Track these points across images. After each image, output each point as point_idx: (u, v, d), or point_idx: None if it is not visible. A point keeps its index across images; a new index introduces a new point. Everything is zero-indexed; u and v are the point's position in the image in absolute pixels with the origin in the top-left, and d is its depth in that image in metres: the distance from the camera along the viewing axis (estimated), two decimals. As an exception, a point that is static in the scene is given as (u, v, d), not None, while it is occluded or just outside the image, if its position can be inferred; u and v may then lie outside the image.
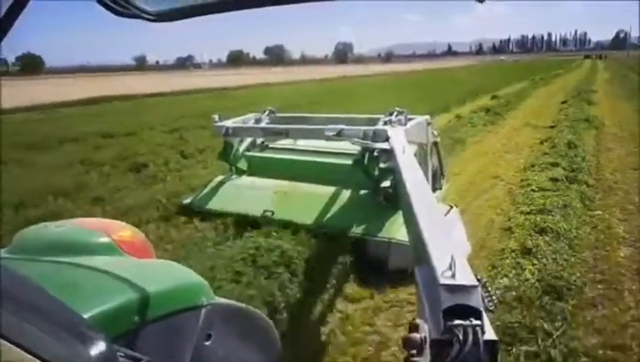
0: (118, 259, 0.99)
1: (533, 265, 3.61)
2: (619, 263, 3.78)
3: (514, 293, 3.18)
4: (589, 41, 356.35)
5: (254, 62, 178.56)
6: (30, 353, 0.47)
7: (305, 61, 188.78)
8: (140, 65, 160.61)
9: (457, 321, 0.85)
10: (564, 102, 14.71)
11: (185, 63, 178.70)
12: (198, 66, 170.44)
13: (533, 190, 5.63)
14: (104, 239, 1.01)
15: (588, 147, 8.09)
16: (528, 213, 4.75)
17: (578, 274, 3.49)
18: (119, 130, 11.84)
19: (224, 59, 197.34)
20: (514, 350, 2.62)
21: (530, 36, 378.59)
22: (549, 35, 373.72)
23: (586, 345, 2.66)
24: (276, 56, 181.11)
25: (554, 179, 5.93)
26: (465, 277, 0.97)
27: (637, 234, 4.35)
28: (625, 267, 3.71)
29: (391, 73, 52.60)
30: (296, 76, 47.98)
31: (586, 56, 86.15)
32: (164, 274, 0.97)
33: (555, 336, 2.69)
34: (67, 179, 6.67)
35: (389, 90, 22.57)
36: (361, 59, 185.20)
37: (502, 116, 12.83)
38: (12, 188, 5.69)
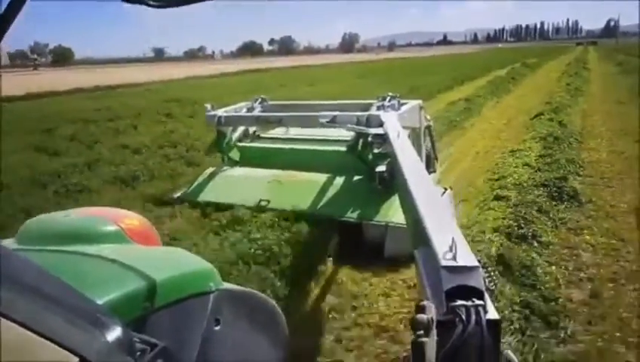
0: (127, 246, 1.01)
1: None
2: (591, 78, 13.72)
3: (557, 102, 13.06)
4: (581, 29, 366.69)
5: (264, 53, 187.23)
6: (49, 339, 0.49)
7: (312, 51, 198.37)
8: (159, 56, 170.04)
9: (460, 302, 0.87)
10: (568, 64, 24.84)
11: (197, 54, 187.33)
12: (211, 57, 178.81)
13: (561, 84, 15.58)
14: (112, 227, 1.02)
15: (584, 75, 18.08)
16: (565, 88, 14.64)
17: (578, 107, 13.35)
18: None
19: (226, 50, 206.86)
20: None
21: (523, 25, 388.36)
22: (542, 24, 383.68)
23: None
24: (286, 47, 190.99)
25: (569, 83, 15.87)
26: (466, 258, 0.98)
27: (601, 85, 14.29)
28: (598, 100, 13.65)
29: (416, 58, 62.07)
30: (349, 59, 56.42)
31: (578, 44, 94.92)
32: (172, 261, 0.98)
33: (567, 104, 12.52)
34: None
35: (440, 67, 32.61)
36: (364, 49, 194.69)
37: (534, 70, 23.10)
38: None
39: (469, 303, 0.86)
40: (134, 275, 0.81)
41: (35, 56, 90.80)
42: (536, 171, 5.31)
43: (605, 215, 4.28)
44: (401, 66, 34.76)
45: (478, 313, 0.84)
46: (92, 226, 1.02)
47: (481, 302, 0.87)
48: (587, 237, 3.85)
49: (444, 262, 0.96)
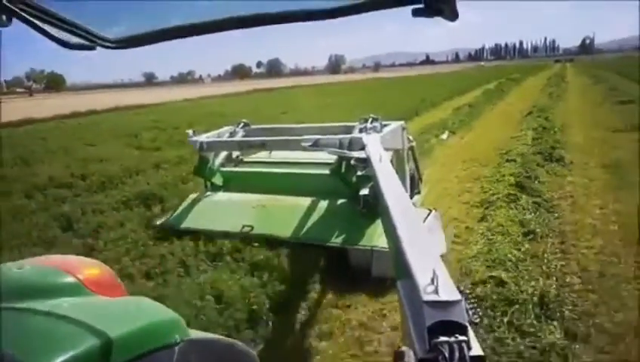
0: (85, 299, 0.91)
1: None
2: (569, 89, 16.24)
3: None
4: (558, 47, 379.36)
5: (252, 75, 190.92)
6: None
7: (299, 73, 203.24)
8: (150, 80, 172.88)
9: (442, 338, 0.84)
10: (549, 78, 27.69)
11: (187, 78, 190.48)
12: (200, 80, 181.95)
13: (544, 93, 18.15)
14: (69, 279, 0.93)
15: (563, 86, 20.70)
16: (548, 96, 17.18)
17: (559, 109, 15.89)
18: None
19: (214, 73, 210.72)
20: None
21: (503, 45, 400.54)
22: (521, 42, 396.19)
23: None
24: (274, 69, 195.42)
25: (551, 92, 18.46)
26: (448, 292, 0.96)
27: (578, 93, 16.82)
28: (575, 104, 16.17)
29: (405, 76, 65.37)
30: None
31: (557, 61, 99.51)
32: (134, 313, 0.90)
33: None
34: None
35: (432, 83, 35.42)
36: (351, 70, 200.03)
37: (519, 83, 25.91)
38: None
39: (452, 339, 0.84)
40: (92, 332, 0.74)
41: (31, 82, 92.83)
42: (531, 147, 7.52)
43: (581, 168, 6.47)
44: (396, 84, 37.53)
45: (461, 349, 0.82)
46: (46, 279, 0.92)
47: (464, 338, 0.85)
48: (569, 178, 6.03)
49: (425, 297, 0.94)
